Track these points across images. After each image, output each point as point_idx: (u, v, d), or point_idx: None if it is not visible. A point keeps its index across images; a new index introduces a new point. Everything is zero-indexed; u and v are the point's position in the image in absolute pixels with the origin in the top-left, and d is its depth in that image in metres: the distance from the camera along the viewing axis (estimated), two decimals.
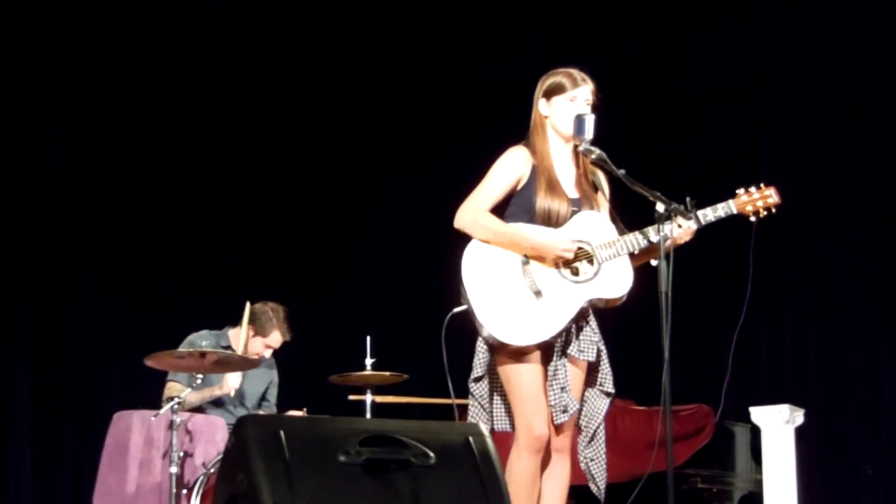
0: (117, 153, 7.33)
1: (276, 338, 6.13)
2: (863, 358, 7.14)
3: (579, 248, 4.28)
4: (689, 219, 4.22)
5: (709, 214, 4.30)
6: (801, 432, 6.33)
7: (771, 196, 4.34)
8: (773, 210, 4.34)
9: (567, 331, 4.26)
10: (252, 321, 6.08)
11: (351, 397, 6.01)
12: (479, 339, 4.31)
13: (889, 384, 7.05)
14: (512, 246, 4.28)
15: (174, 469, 5.16)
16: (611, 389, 4.39)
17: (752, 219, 4.34)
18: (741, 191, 4.34)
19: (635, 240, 4.26)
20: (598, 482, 4.38)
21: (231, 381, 5.88)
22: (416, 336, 7.50)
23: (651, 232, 4.23)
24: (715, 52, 7.75)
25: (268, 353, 6.16)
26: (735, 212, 4.33)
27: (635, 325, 5.59)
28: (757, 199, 4.33)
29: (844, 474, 7.09)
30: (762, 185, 4.35)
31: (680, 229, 4.22)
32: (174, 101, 7.45)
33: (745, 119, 7.68)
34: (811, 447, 6.70)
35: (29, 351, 6.88)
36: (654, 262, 4.22)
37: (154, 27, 7.38)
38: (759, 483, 6.27)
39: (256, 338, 6.09)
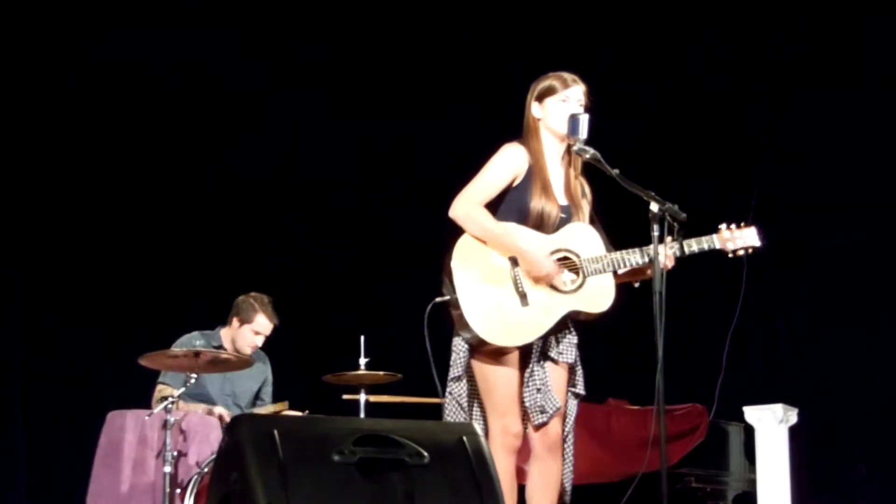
0: (111, 151, 7.33)
1: (261, 322, 6.08)
2: (856, 357, 7.16)
3: (566, 258, 4.29)
4: (683, 226, 4.21)
5: (693, 245, 4.32)
6: (794, 431, 6.34)
7: (750, 237, 4.37)
8: (750, 251, 4.36)
9: (546, 336, 4.28)
10: (236, 313, 6.08)
11: (345, 397, 6.01)
12: (457, 338, 4.32)
13: (882, 383, 7.07)
14: (500, 247, 4.29)
15: (168, 469, 5.16)
16: (582, 391, 4.44)
17: (730, 255, 4.36)
18: (723, 226, 4.37)
19: (622, 259, 4.29)
20: (565, 483, 4.38)
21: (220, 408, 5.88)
22: (410, 336, 7.49)
23: (639, 253, 4.25)
24: (711, 62, 7.75)
25: (259, 341, 6.12)
26: (717, 247, 4.36)
27: (629, 325, 5.60)
28: (737, 238, 4.36)
29: (838, 473, 7.11)
30: (742, 223, 4.37)
31: (669, 250, 4.22)
32: (171, 97, 7.46)
33: (742, 117, 7.68)
34: (805, 446, 6.71)
35: (23, 350, 6.88)
36: (636, 285, 4.27)
37: (151, 28, 7.38)
38: (753, 482, 6.28)
39: (243, 327, 6.08)
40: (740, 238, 4.34)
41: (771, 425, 6.25)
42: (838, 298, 7.28)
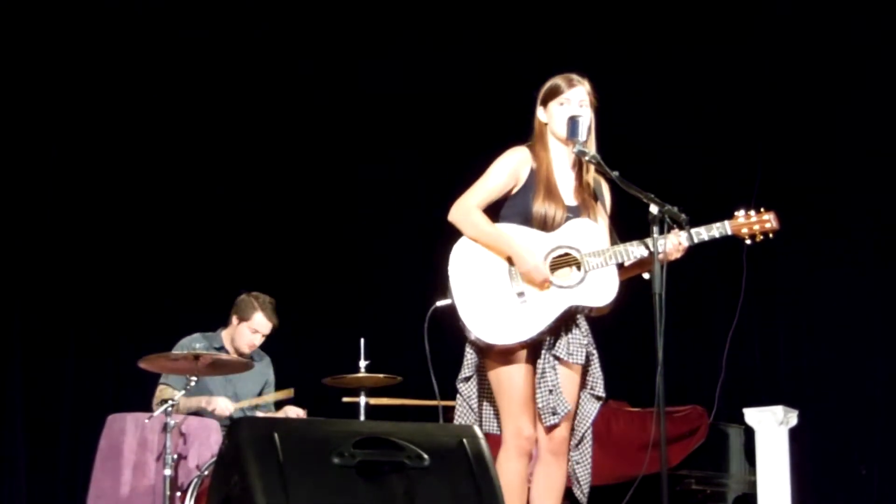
0: (111, 154, 7.34)
1: (259, 320, 6.08)
2: (856, 358, 7.15)
3: (567, 254, 4.29)
4: (683, 227, 4.20)
5: (702, 233, 4.25)
6: (794, 433, 6.34)
7: (769, 221, 4.28)
8: (771, 235, 4.32)
9: (553, 333, 4.26)
10: (235, 311, 6.09)
11: (345, 399, 6.01)
12: (468, 342, 4.32)
13: (882, 384, 7.06)
14: (495, 248, 4.29)
15: (168, 472, 5.16)
16: (601, 393, 4.38)
17: (748, 241, 4.29)
18: (740, 213, 4.30)
19: (624, 251, 4.25)
20: (583, 486, 4.36)
21: (222, 404, 5.85)
22: (410, 338, 7.48)
23: (641, 244, 4.21)
24: (711, 61, 7.74)
25: (257, 340, 6.11)
26: (729, 233, 4.28)
27: (629, 327, 5.61)
28: (754, 223, 4.28)
29: (838, 475, 7.10)
30: (762, 209, 4.31)
31: (672, 242, 4.19)
32: (171, 101, 7.47)
33: (741, 123, 7.67)
34: (805, 448, 6.71)
35: (23, 353, 6.87)
36: (646, 276, 4.20)
37: (150, 30, 7.39)
38: (753, 484, 6.28)
39: (241, 325, 6.07)
40: (758, 223, 4.28)
41: (771, 427, 6.25)
42: (839, 299, 7.27)
